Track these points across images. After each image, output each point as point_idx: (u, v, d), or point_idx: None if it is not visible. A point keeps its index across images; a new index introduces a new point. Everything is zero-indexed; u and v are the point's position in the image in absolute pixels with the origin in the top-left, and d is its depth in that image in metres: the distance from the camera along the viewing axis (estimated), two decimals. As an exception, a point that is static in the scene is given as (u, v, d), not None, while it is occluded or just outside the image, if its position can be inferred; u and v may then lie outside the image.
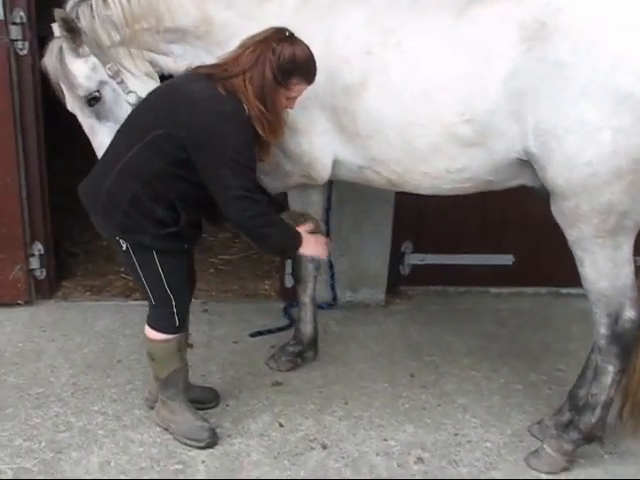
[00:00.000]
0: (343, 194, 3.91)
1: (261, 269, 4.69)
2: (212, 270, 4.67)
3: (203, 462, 2.81)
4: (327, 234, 3.66)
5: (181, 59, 2.92)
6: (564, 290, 4.47)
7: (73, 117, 2.91)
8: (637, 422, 2.87)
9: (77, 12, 2.71)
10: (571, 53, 2.36)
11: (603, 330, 2.70)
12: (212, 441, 2.88)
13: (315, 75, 2.56)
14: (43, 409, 3.10)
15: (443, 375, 3.54)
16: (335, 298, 4.23)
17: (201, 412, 3.03)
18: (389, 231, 4.17)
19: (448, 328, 4.03)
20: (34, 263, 3.98)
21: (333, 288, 4.22)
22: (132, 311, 3.96)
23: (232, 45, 2.68)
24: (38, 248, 3.96)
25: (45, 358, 3.51)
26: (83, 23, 2.71)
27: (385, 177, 2.88)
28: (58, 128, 4.18)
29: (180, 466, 2.79)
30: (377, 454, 2.92)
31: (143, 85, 2.82)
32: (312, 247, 2.74)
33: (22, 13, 3.52)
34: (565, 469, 2.86)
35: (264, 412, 3.15)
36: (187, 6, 2.81)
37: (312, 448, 2.93)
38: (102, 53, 2.77)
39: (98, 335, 3.73)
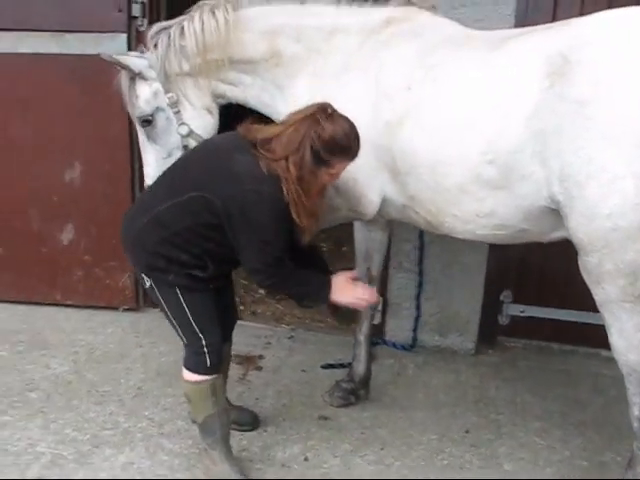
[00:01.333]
0: (434, 233, 3.80)
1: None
2: (310, 299, 4.74)
3: (214, 480, 2.88)
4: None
5: (250, 89, 3.04)
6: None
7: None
8: None
9: (157, 40, 2.93)
10: (592, 90, 2.15)
11: (637, 412, 2.38)
12: None
13: (357, 152, 2.52)
14: (102, 406, 3.36)
15: (501, 436, 3.26)
16: (415, 341, 4.09)
17: (237, 433, 3.10)
18: (482, 276, 3.95)
19: (533, 387, 3.71)
20: (142, 274, 4.35)
21: (414, 330, 4.08)
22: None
23: (300, 78, 2.81)
24: (146, 260, 4.33)
25: (126, 361, 3.82)
26: (159, 51, 2.91)
27: (423, 217, 2.78)
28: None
29: (190, 475, 2.89)
30: (388, 505, 2.78)
31: (199, 119, 2.98)
32: (346, 295, 2.64)
33: (144, 49, 3.90)
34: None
35: (296, 443, 3.13)
36: (257, 39, 2.93)
37: (325, 487, 2.87)
38: (167, 81, 2.93)
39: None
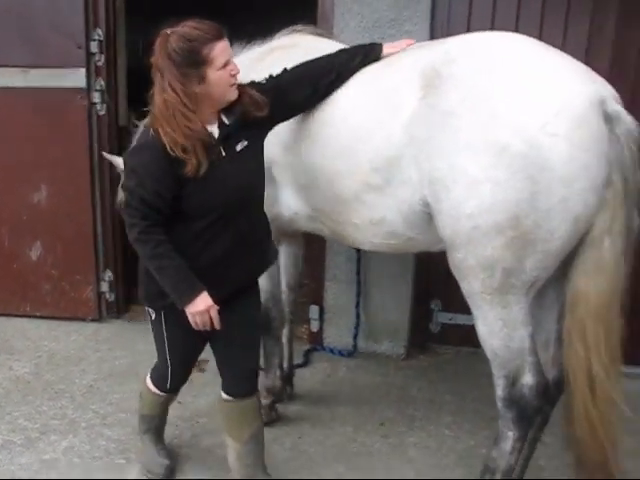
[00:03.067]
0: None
1: (305, 313, 4.95)
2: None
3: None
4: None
5: None
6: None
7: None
8: None
9: None
10: (458, 103, 2.38)
11: (499, 392, 2.64)
12: (166, 477, 3.10)
13: (217, 31, 2.33)
14: (54, 401, 3.74)
15: (413, 429, 3.58)
16: (355, 347, 4.42)
17: (172, 422, 3.36)
18: (409, 286, 4.29)
19: (454, 388, 4.02)
20: (104, 287, 4.76)
21: (355, 337, 4.41)
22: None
23: None
24: (108, 275, 4.74)
25: (82, 364, 4.19)
26: None
27: (329, 228, 3.03)
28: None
29: (123, 461, 3.23)
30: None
31: None
32: (197, 315, 2.45)
33: (102, 82, 4.37)
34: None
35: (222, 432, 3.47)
36: None
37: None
38: None
39: (135, 352, 4.33)
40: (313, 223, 3.13)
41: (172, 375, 2.84)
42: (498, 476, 2.72)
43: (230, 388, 2.81)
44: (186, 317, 2.46)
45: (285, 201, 3.10)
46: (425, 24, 3.91)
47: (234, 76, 2.39)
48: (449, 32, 3.93)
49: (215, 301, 2.46)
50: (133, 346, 4.42)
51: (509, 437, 2.67)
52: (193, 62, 2.27)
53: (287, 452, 3.34)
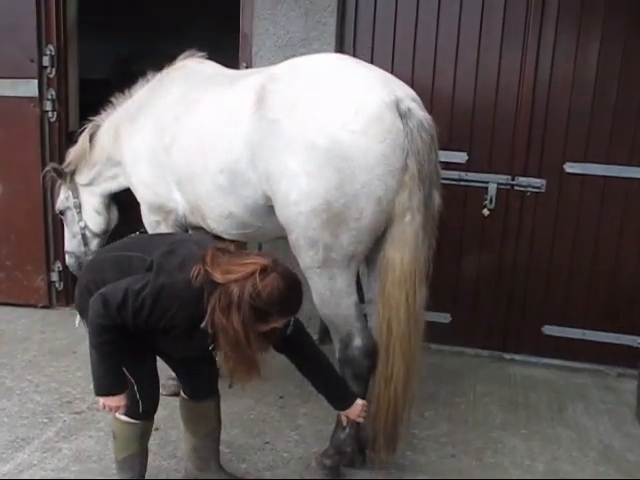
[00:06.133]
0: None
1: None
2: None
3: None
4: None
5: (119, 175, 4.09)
6: (507, 355, 4.81)
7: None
8: (388, 450, 3.12)
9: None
10: (279, 111, 2.87)
11: (337, 353, 3.11)
12: None
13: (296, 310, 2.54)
14: (-7, 372, 4.25)
15: (308, 402, 3.99)
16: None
17: None
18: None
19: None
20: (54, 277, 5.27)
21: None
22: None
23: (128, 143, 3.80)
24: (58, 266, 5.25)
25: (27, 343, 4.69)
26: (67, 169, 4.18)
27: (201, 220, 3.49)
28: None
29: (46, 420, 3.70)
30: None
31: (91, 218, 4.25)
32: (107, 405, 2.60)
33: (53, 92, 4.90)
34: (328, 483, 3.21)
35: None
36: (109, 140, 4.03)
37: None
38: (75, 190, 4.20)
39: (76, 334, 4.79)
40: (193, 217, 3.59)
41: (140, 393, 2.70)
42: (347, 428, 3.18)
43: (188, 391, 2.96)
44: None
45: (176, 197, 3.59)
46: (332, 44, 4.44)
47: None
48: (355, 50, 4.49)
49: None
50: (75, 329, 4.85)
51: (352, 393, 3.11)
52: (259, 318, 2.42)
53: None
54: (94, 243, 4.31)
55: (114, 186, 4.17)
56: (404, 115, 2.80)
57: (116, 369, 2.58)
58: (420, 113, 2.85)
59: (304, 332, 2.83)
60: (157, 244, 2.66)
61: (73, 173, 4.19)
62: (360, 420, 3.00)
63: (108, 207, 4.29)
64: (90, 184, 4.18)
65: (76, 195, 4.20)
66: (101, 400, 2.60)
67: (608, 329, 4.61)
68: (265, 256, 2.49)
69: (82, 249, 4.30)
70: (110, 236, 4.36)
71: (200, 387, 2.96)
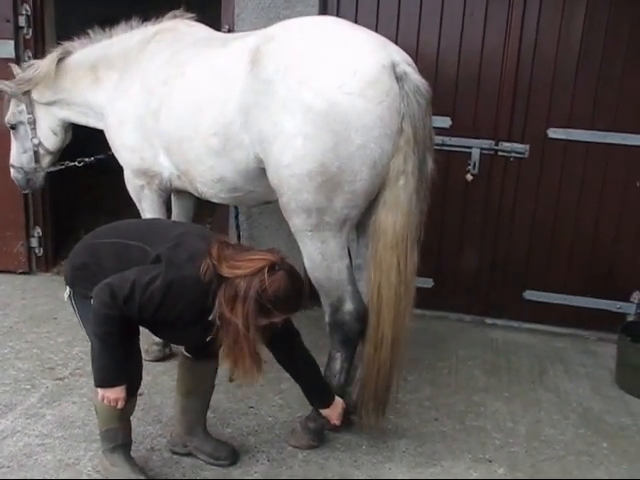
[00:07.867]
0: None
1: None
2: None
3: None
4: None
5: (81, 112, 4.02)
6: (489, 320, 4.86)
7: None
8: (377, 415, 3.16)
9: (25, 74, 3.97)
10: (274, 72, 2.82)
11: (327, 318, 3.10)
12: None
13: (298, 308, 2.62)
14: (-24, 339, 4.21)
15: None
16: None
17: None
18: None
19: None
20: (34, 242, 5.21)
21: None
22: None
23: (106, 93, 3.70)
24: (37, 232, 5.19)
25: (7, 309, 4.65)
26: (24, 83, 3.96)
27: (190, 185, 3.44)
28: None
29: (28, 387, 3.68)
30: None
31: (46, 136, 4.13)
32: (106, 397, 2.61)
33: (30, 53, 4.79)
34: (311, 445, 3.20)
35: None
36: (84, 74, 3.88)
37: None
38: (31, 105, 4.03)
39: (56, 300, 4.75)
40: (180, 181, 3.54)
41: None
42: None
43: (188, 350, 3.01)
44: None
45: (162, 162, 3.52)
46: (315, 6, 4.37)
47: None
48: (339, 14, 4.40)
49: None
50: (56, 295, 4.85)
51: (337, 358, 3.15)
52: (262, 312, 2.49)
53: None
54: (46, 160, 4.25)
55: (81, 120, 4.03)
56: (400, 78, 2.78)
57: (118, 361, 2.59)
58: (416, 77, 2.83)
59: (293, 328, 2.93)
60: (157, 235, 2.69)
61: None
62: (337, 423, 3.12)
63: (65, 128, 4.19)
64: (51, 105, 4.03)
65: (30, 111, 4.04)
66: (100, 392, 2.62)
67: (589, 294, 4.67)
68: (273, 252, 2.56)
69: (33, 165, 4.22)
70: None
71: (203, 349, 2.90)
